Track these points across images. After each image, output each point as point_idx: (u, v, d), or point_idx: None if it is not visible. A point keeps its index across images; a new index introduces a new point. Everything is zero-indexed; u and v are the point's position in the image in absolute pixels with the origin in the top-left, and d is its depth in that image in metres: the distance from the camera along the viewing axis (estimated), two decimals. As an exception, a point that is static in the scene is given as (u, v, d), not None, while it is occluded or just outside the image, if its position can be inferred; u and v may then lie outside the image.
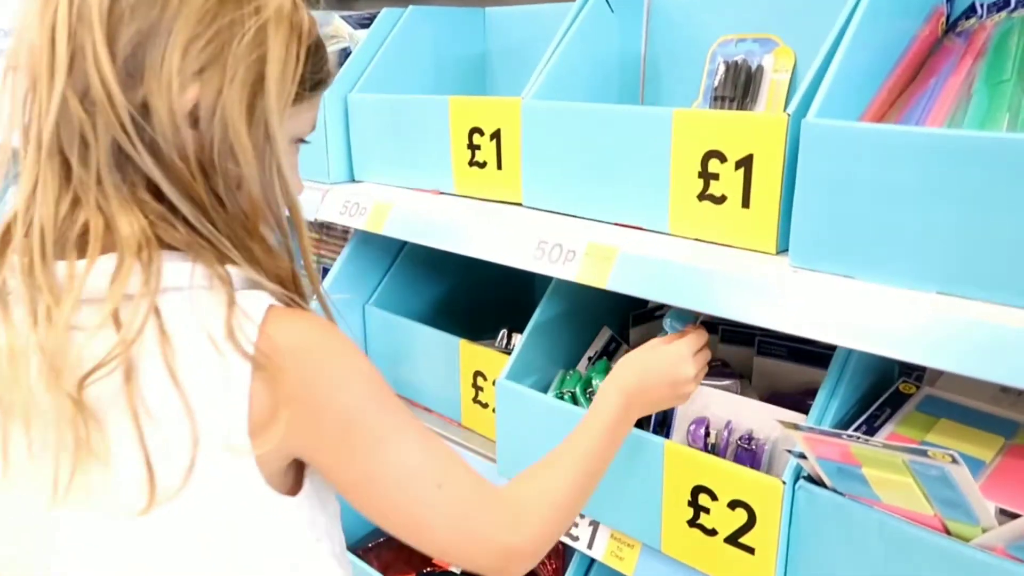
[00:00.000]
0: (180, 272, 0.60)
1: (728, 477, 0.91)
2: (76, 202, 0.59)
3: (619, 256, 0.96)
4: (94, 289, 0.58)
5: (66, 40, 0.58)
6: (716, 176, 0.93)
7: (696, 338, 0.95)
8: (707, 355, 0.97)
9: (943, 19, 1.00)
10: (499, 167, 1.21)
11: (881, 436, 0.87)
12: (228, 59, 0.60)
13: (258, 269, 0.64)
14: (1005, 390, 0.92)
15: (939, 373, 0.97)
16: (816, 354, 1.09)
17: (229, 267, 0.62)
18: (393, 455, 0.64)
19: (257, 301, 0.61)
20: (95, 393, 0.57)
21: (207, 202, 0.62)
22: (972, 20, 0.98)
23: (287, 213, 0.68)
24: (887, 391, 0.95)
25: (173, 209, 0.61)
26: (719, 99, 1.16)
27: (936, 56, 0.96)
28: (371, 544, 1.55)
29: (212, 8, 0.60)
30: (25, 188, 0.60)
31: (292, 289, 0.66)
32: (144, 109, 0.59)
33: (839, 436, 0.73)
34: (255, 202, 0.64)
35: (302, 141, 0.73)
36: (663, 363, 0.92)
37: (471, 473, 0.71)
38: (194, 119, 0.61)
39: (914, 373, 0.99)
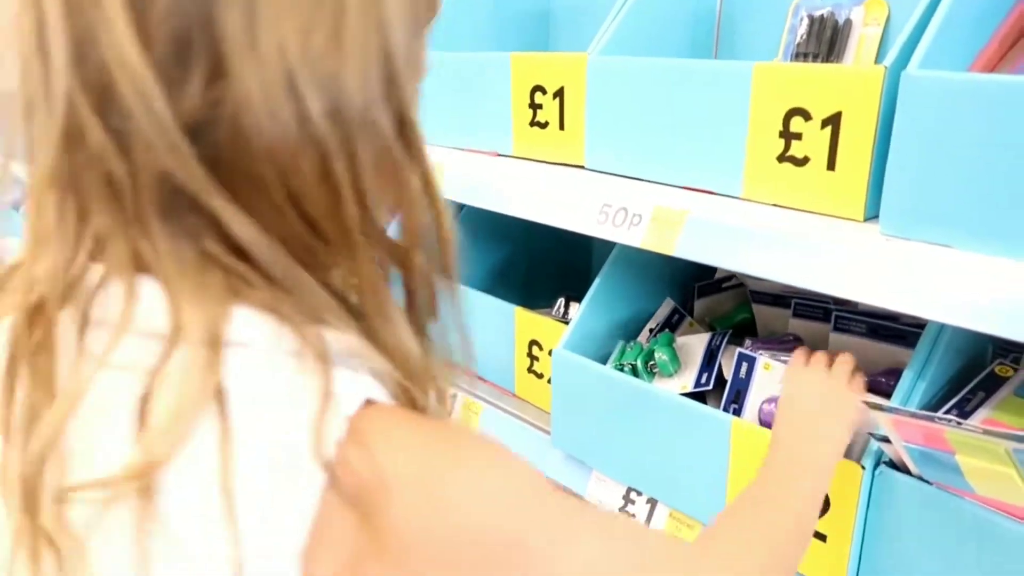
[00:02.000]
0: (257, 328, 0.42)
1: (801, 459, 0.85)
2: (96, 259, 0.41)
3: (688, 220, 0.90)
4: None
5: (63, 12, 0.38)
6: (799, 136, 0.86)
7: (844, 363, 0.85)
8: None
9: (1060, -34, 0.90)
10: (561, 127, 1.15)
11: (974, 421, 0.80)
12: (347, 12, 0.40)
13: (371, 336, 0.44)
14: (1115, 376, 0.84)
15: (1039, 355, 0.89)
16: (898, 331, 1.01)
17: (325, 330, 0.42)
18: (567, 570, 0.46)
19: (352, 385, 0.42)
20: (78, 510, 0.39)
21: (305, 240, 0.43)
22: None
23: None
24: (979, 373, 0.87)
25: (243, 255, 0.42)
26: (801, 56, 1.08)
27: (1052, 5, 0.87)
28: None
29: None
30: (27, 238, 0.43)
31: (414, 375, 0.45)
32: (212, 110, 0.39)
33: (932, 419, 0.67)
34: (411, 226, 0.45)
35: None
36: (818, 389, 0.83)
37: (669, 542, 0.58)
38: (296, 92, 0.39)
39: (1010, 355, 0.91)
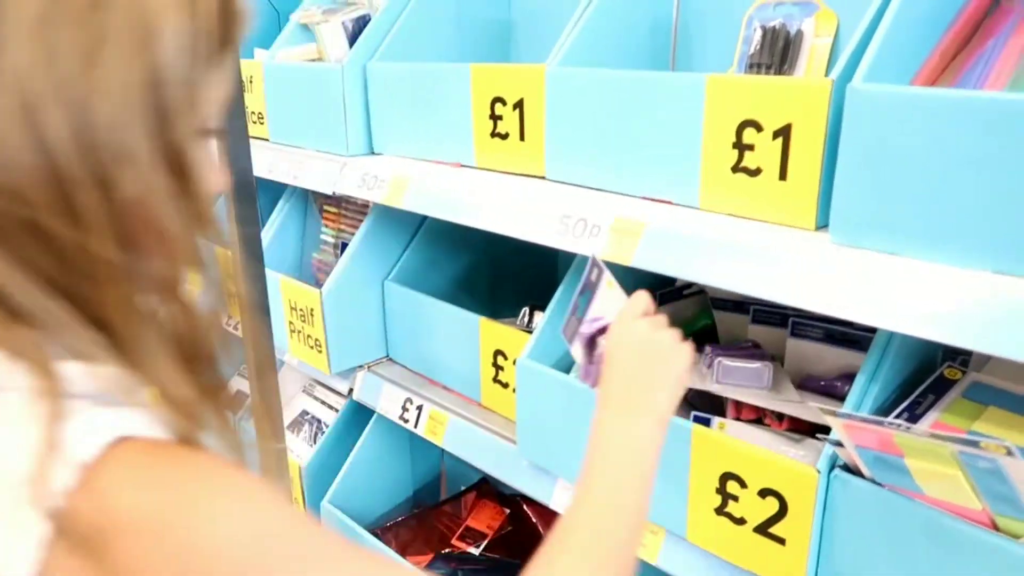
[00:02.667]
0: None
1: (759, 464, 0.86)
2: None
3: (646, 231, 0.91)
4: None
5: None
6: (751, 147, 0.87)
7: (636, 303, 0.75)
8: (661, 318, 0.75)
9: (1000, -21, 0.93)
10: (522, 138, 1.16)
11: (925, 424, 0.82)
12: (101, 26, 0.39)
13: (136, 369, 0.43)
14: (1059, 377, 0.86)
15: (986, 358, 0.91)
16: (853, 336, 1.03)
17: (74, 364, 0.41)
18: None
19: (98, 425, 0.40)
20: None
21: (50, 271, 0.40)
22: (1032, -21, 0.91)
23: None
24: (930, 377, 0.89)
25: None
26: (755, 66, 1.10)
27: (993, 17, 0.89)
28: (388, 524, 1.53)
29: None
30: None
31: (180, 407, 0.43)
32: None
33: (881, 424, 0.69)
34: (168, 241, 0.43)
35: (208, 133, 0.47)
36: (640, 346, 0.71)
37: None
38: (32, 118, 0.38)
39: (959, 358, 0.93)
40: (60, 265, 0.40)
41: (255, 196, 1.23)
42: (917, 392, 0.87)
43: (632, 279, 1.24)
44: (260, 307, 1.28)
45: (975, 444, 0.63)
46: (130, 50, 0.39)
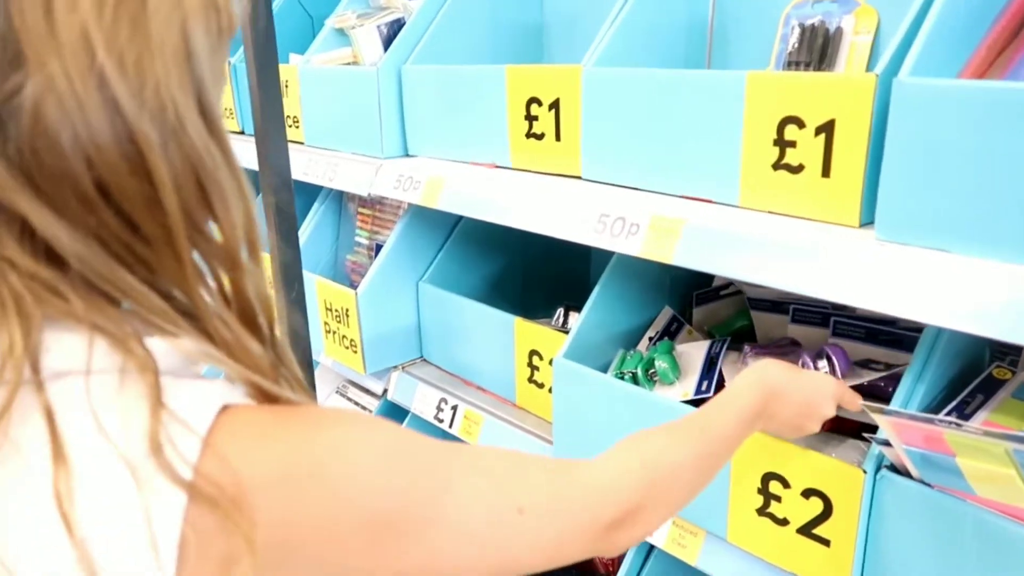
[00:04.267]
0: (70, 348, 0.40)
1: (802, 464, 0.85)
2: None
3: (685, 229, 0.91)
4: None
5: None
6: (793, 144, 0.87)
7: (851, 395, 0.86)
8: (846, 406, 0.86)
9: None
10: (558, 139, 1.16)
11: (974, 424, 0.80)
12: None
13: (210, 338, 0.43)
14: (1112, 376, 0.84)
15: (1036, 357, 0.89)
16: (896, 336, 1.02)
17: (157, 339, 0.42)
18: (452, 523, 0.49)
19: (201, 397, 0.41)
20: None
21: (122, 237, 0.40)
22: (1081, -28, 0.89)
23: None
24: (978, 376, 0.88)
25: (53, 259, 0.40)
26: (793, 64, 1.09)
27: (1041, 10, 0.88)
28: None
29: None
30: None
31: (270, 371, 0.45)
32: (9, 101, 0.37)
33: (932, 421, 0.67)
34: (229, 226, 0.43)
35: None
36: (810, 386, 0.82)
37: (544, 470, 0.57)
38: (113, 103, 0.38)
39: (1008, 357, 0.92)
40: (133, 234, 0.40)
41: (292, 198, 1.25)
42: (966, 392, 0.85)
43: (670, 278, 1.24)
44: (298, 308, 1.29)
45: (1030, 441, 0.61)
46: (168, 19, 0.40)
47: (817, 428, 0.83)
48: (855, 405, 0.85)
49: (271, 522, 0.40)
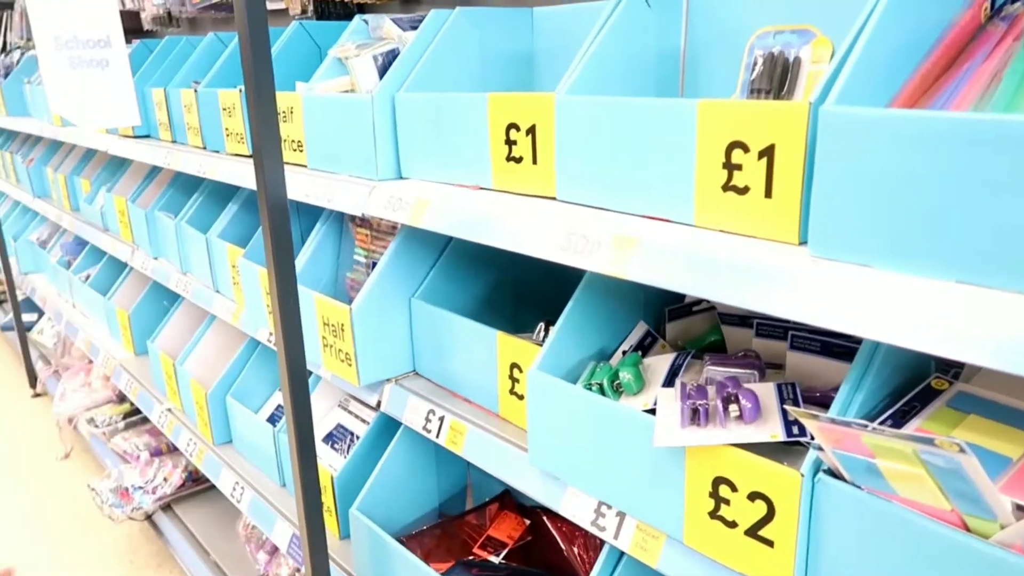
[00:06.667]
0: None
1: (748, 468, 0.90)
2: None
3: (641, 246, 0.96)
4: None
5: None
6: (739, 167, 0.92)
7: None
8: None
9: (987, 3, 0.97)
10: (535, 162, 1.23)
11: (907, 431, 0.85)
12: None
13: None
14: (1046, 388, 0.88)
15: (976, 370, 0.93)
16: (851, 350, 1.06)
17: None
18: None
19: None
20: None
21: None
22: (1018, 3, 0.95)
23: None
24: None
25: None
26: (756, 92, 1.15)
27: (976, 42, 0.93)
28: (414, 532, 1.59)
29: None
30: None
31: None
32: None
33: (848, 424, 0.72)
34: None
35: None
36: None
37: None
38: None
39: (951, 370, 0.96)
40: None
41: (288, 219, 1.32)
42: (903, 401, 0.89)
43: (642, 296, 1.30)
44: (293, 322, 1.36)
45: (931, 441, 0.66)
46: None
47: None
48: None
49: None
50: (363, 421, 1.92)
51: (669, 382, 1.11)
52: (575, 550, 1.44)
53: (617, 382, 1.11)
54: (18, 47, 4.52)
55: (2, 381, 4.33)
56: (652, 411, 1.07)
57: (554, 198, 1.21)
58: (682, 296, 1.34)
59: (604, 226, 1.03)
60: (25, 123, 3.73)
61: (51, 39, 2.13)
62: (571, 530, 1.47)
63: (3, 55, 4.62)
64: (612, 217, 1.09)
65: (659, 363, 1.18)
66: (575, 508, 1.16)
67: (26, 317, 4.18)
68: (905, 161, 0.74)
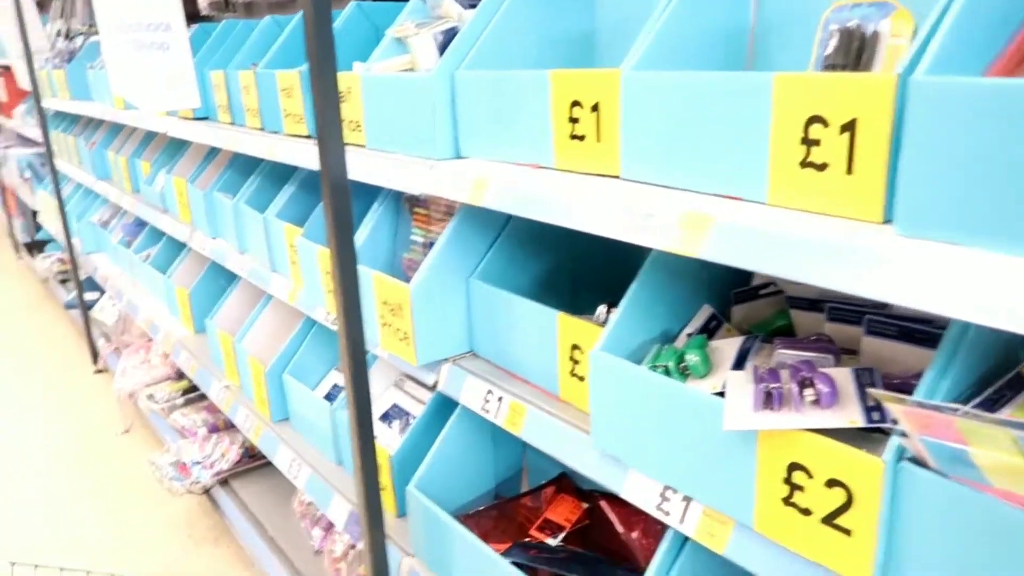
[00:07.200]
0: None
1: (825, 454, 0.87)
2: None
3: (714, 225, 0.94)
4: None
5: None
6: (818, 142, 0.89)
7: None
8: None
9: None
10: (598, 140, 1.20)
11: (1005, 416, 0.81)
12: None
13: None
14: None
15: (1070, 356, 0.89)
16: (931, 335, 1.02)
17: None
18: None
19: None
20: None
21: None
22: (1123, -32, 0.89)
23: None
24: (1008, 373, 0.88)
25: None
26: (830, 67, 1.11)
27: (1077, 9, 0.87)
28: (471, 512, 1.59)
29: None
30: None
31: None
32: None
33: (940, 409, 0.69)
34: None
35: None
36: None
37: None
38: None
39: (1041, 356, 0.91)
40: None
41: (349, 198, 1.33)
42: (991, 389, 0.86)
43: (707, 277, 1.27)
44: (353, 301, 1.37)
45: (1033, 430, 0.63)
46: None
47: None
48: None
49: None
50: (419, 401, 1.93)
51: (738, 366, 1.08)
52: (634, 535, 1.43)
53: (683, 364, 1.09)
54: (81, 33, 4.64)
55: (66, 357, 4.48)
56: (720, 395, 1.05)
57: (618, 176, 1.19)
58: (748, 278, 1.31)
59: (673, 204, 1.01)
60: (88, 107, 3.82)
61: (114, 24, 2.17)
62: (630, 515, 1.46)
63: (67, 41, 4.74)
64: (680, 195, 1.06)
65: (726, 346, 1.15)
66: (638, 492, 1.15)
67: (88, 296, 4.31)
68: (1003, 134, 0.70)
